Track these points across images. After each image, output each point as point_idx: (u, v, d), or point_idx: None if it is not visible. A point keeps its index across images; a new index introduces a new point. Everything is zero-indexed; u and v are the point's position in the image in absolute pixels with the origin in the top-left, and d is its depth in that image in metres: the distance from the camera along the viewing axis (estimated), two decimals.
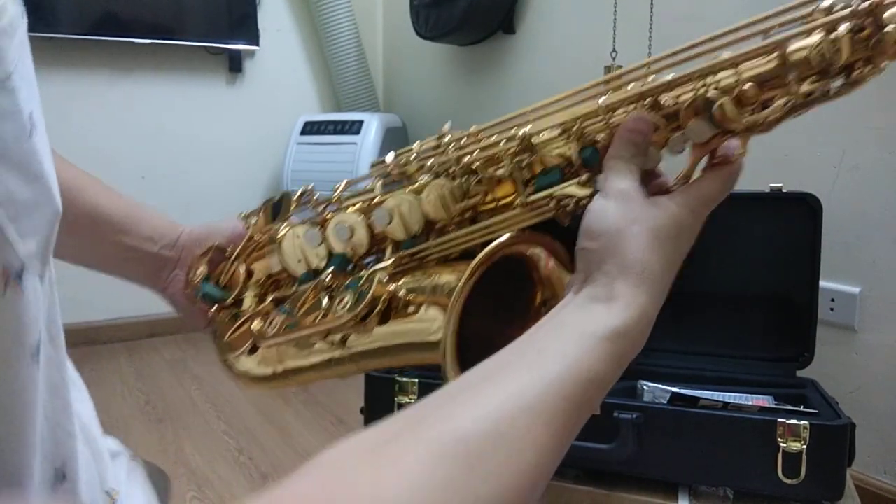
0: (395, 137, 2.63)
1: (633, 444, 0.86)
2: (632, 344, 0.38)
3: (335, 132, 2.56)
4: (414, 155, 0.48)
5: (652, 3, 1.79)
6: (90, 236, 0.56)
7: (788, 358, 1.07)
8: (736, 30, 0.42)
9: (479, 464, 0.30)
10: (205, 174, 2.71)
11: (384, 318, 0.44)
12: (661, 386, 0.94)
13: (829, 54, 0.36)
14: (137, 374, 2.20)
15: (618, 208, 0.39)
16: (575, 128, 0.43)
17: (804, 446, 0.81)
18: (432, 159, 0.46)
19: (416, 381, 0.96)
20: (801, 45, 0.37)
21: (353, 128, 2.54)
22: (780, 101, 0.39)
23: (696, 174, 0.42)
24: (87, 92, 2.51)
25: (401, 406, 0.96)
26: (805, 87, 0.38)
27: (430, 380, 0.97)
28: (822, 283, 1.09)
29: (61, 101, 2.48)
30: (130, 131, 2.58)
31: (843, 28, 0.36)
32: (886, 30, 0.34)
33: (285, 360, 0.50)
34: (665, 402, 0.90)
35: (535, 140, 0.44)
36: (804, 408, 0.92)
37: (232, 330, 0.52)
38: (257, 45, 2.74)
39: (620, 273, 0.37)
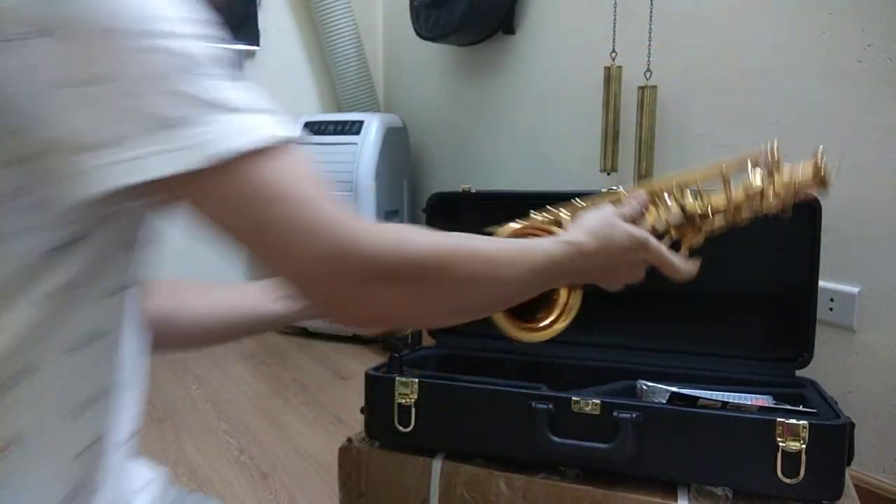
0: (395, 137, 2.64)
1: (632, 444, 0.86)
2: (569, 254, 0.64)
3: (335, 132, 2.56)
4: None
5: (652, 3, 1.79)
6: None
7: (787, 358, 1.07)
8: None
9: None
10: None
11: None
12: (660, 385, 0.94)
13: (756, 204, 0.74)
14: None
15: (592, 211, 0.70)
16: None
17: (803, 446, 0.81)
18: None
19: (416, 381, 0.96)
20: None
21: (354, 128, 2.54)
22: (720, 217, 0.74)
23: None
24: None
25: (401, 406, 0.96)
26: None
27: (430, 379, 0.97)
28: (821, 283, 1.09)
29: None
30: None
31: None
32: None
33: None
34: (664, 401, 0.90)
35: None
36: (803, 407, 0.92)
37: None
38: (257, 45, 2.74)
39: (573, 227, 0.68)
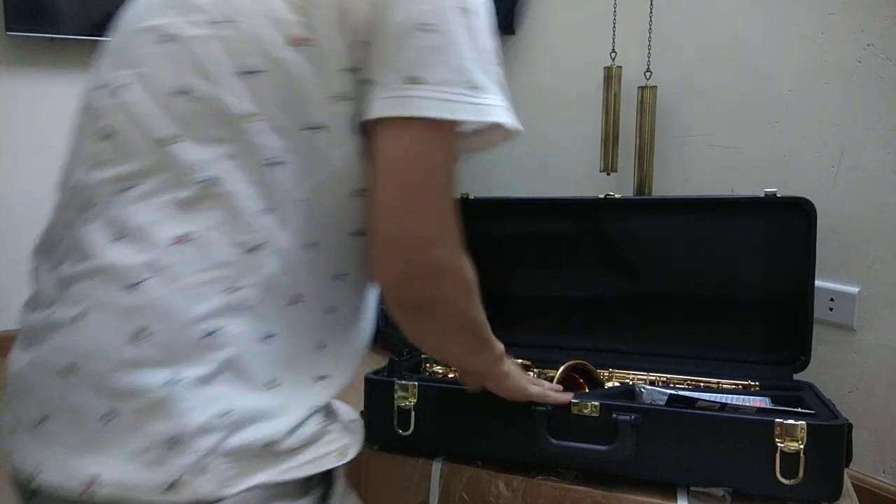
0: None
1: (631, 446, 0.86)
2: (498, 368, 0.84)
3: None
4: None
5: (651, 4, 1.79)
6: None
7: (785, 361, 1.08)
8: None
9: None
10: None
11: None
12: (658, 388, 0.95)
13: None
14: None
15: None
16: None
17: (801, 446, 0.81)
18: None
19: (416, 384, 0.96)
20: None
21: None
22: None
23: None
24: None
25: (400, 409, 0.96)
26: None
27: (429, 382, 0.97)
28: (821, 283, 1.10)
29: (63, 101, 2.48)
30: None
31: None
32: None
33: None
34: (663, 403, 0.91)
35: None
36: (801, 409, 0.92)
37: None
38: None
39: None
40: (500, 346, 0.79)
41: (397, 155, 0.58)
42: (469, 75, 0.58)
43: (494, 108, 0.61)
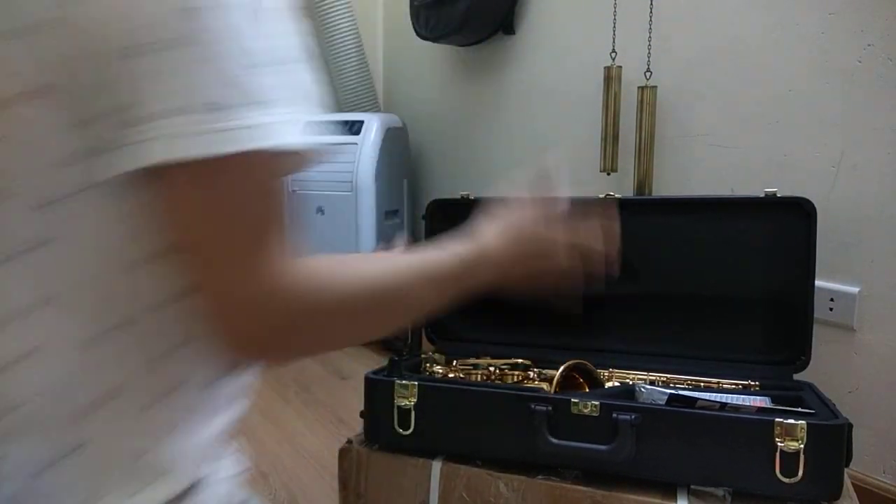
0: (395, 137, 2.64)
1: (631, 445, 0.86)
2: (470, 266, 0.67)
3: (335, 133, 2.56)
4: None
5: (652, 4, 1.79)
6: None
7: (785, 361, 1.08)
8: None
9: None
10: None
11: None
12: (658, 388, 0.95)
13: None
14: None
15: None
16: None
17: (801, 446, 0.81)
18: None
19: (416, 384, 0.96)
20: None
21: (354, 128, 2.54)
22: None
23: None
24: None
25: (400, 409, 0.96)
26: None
27: (429, 382, 0.97)
28: (821, 283, 1.10)
29: None
30: None
31: None
32: None
33: None
34: (663, 403, 0.91)
35: None
36: (801, 409, 0.92)
37: None
38: None
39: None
40: (463, 264, 0.65)
41: (178, 212, 0.47)
42: (221, 92, 0.44)
43: (265, 127, 0.45)
